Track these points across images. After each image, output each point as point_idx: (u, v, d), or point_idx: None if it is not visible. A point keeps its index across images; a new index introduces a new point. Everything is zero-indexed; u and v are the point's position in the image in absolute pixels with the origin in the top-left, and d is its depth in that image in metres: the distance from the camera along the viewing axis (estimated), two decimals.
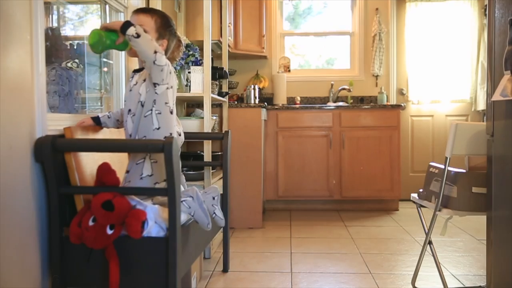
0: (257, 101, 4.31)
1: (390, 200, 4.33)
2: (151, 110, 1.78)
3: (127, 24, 1.64)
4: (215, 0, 3.71)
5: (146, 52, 1.66)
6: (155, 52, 1.66)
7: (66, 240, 1.63)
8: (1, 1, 1.40)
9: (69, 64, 2.23)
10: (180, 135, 2.39)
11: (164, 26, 1.87)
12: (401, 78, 4.91)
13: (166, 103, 1.81)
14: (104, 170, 1.64)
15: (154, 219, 1.65)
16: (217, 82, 3.38)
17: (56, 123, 1.79)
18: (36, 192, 1.59)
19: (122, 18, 2.64)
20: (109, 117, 2.02)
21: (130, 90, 1.86)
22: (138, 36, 1.62)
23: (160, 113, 1.79)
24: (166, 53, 1.92)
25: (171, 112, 1.84)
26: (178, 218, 1.60)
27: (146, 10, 1.88)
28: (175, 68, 2.75)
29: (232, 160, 3.62)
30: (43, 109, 1.64)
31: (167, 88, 1.80)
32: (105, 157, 1.89)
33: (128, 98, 1.87)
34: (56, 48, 2.15)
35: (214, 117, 3.39)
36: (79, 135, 1.79)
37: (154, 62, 1.68)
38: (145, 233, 1.60)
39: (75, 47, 2.39)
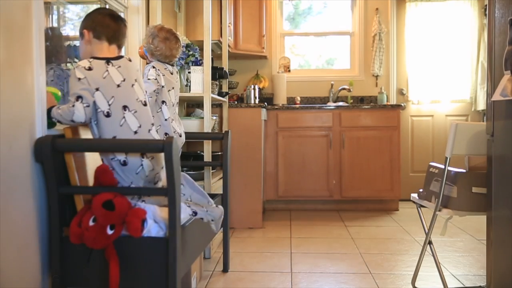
0: (257, 101, 4.31)
1: (390, 200, 4.33)
2: (91, 122, 1.78)
3: (49, 113, 1.73)
4: (215, 0, 3.71)
5: (70, 124, 1.76)
6: (72, 120, 1.72)
7: (66, 240, 1.62)
8: (1, 1, 1.40)
9: (68, 64, 2.23)
10: (180, 136, 2.39)
11: (80, 29, 1.88)
12: (401, 78, 4.91)
13: (97, 110, 1.76)
14: (102, 170, 1.65)
15: (153, 218, 1.66)
16: (217, 82, 3.38)
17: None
18: (36, 192, 1.59)
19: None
20: None
21: None
22: (59, 121, 1.75)
23: (96, 123, 1.78)
24: (99, 36, 1.83)
25: (108, 115, 1.77)
26: (178, 218, 1.60)
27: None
28: (176, 66, 2.74)
29: (232, 160, 3.62)
30: (43, 109, 1.64)
31: (94, 94, 1.75)
32: None
33: None
34: (56, 48, 2.15)
35: (214, 117, 3.39)
36: (79, 135, 1.79)
37: (82, 122, 1.73)
38: (145, 232, 1.61)
39: (75, 47, 2.38)
